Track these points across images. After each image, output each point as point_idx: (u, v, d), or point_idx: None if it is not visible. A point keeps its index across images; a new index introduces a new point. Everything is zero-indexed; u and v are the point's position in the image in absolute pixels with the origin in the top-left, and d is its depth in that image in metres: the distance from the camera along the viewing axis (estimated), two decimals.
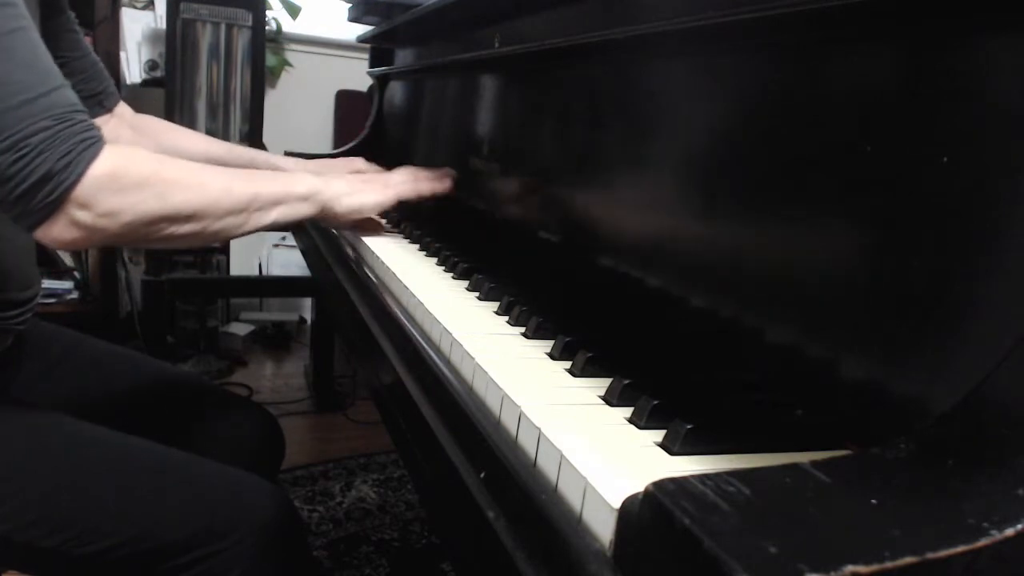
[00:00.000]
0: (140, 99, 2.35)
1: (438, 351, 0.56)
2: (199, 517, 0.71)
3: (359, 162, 1.19)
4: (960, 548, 0.24)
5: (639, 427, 0.41)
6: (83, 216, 0.62)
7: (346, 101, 2.78)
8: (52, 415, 0.75)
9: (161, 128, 1.07)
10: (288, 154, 1.31)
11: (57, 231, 0.63)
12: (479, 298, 0.69)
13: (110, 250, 2.29)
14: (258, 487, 0.77)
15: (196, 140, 1.08)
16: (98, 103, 0.97)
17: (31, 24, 0.63)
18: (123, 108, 1.03)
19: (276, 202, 0.78)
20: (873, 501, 0.26)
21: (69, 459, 0.71)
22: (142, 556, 0.68)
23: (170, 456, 0.76)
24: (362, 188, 0.88)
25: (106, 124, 0.99)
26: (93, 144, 0.63)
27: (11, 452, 0.70)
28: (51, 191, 0.60)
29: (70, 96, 0.63)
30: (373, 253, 0.84)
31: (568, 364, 0.51)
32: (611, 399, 0.45)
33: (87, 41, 0.97)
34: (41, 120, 0.60)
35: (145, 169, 0.66)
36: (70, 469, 0.71)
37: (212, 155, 1.03)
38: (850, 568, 0.22)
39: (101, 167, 0.62)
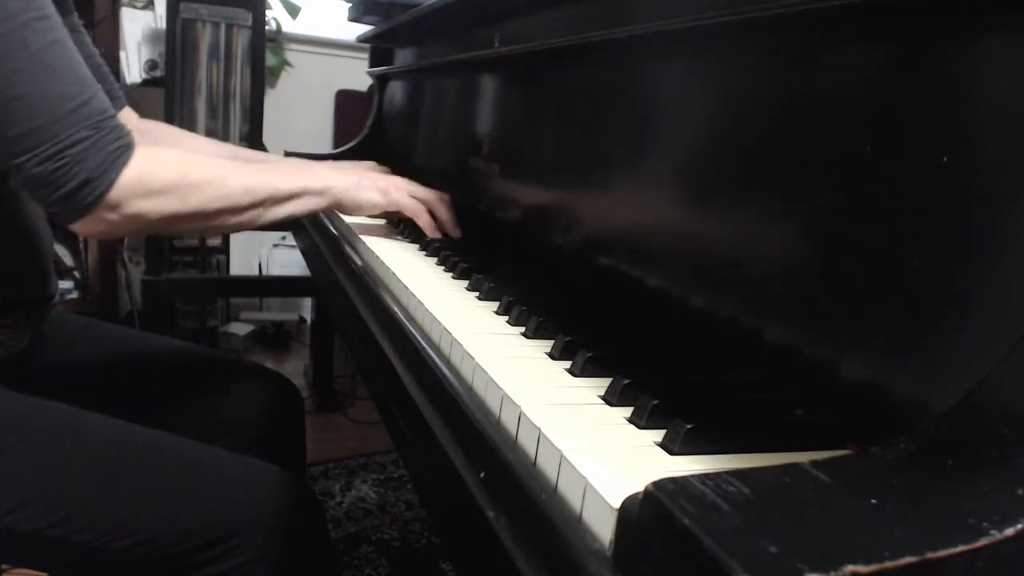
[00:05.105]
0: (140, 99, 2.35)
1: (438, 351, 0.56)
2: (214, 511, 0.72)
3: (370, 165, 1.20)
4: (960, 548, 0.24)
5: (639, 427, 0.41)
6: (112, 216, 0.69)
7: (346, 101, 2.78)
8: (78, 413, 0.76)
9: (168, 133, 1.08)
10: (288, 155, 1.32)
11: (90, 227, 0.69)
12: (479, 298, 0.69)
13: (110, 250, 2.29)
14: (275, 478, 0.78)
15: (201, 143, 1.10)
16: None
17: (66, 32, 0.67)
18: (129, 112, 1.04)
19: (292, 196, 0.83)
20: (873, 501, 0.26)
21: (95, 458, 0.72)
22: (162, 552, 0.69)
23: (182, 450, 0.77)
24: (369, 185, 0.90)
25: None
26: (125, 151, 0.69)
27: (38, 452, 0.71)
28: (87, 196, 0.66)
29: (103, 102, 0.69)
30: (373, 253, 0.84)
31: (568, 364, 0.51)
32: (611, 399, 0.45)
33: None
34: (80, 130, 0.65)
35: (170, 173, 0.72)
36: (94, 468, 0.72)
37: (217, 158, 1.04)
38: (850, 568, 0.22)
39: (130, 173, 0.68)
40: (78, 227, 0.70)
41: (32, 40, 0.63)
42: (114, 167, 0.67)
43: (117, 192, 0.67)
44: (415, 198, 0.93)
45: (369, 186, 0.90)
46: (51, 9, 0.66)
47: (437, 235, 0.94)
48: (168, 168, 0.72)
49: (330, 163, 1.20)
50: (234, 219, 0.78)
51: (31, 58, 0.63)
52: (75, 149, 0.65)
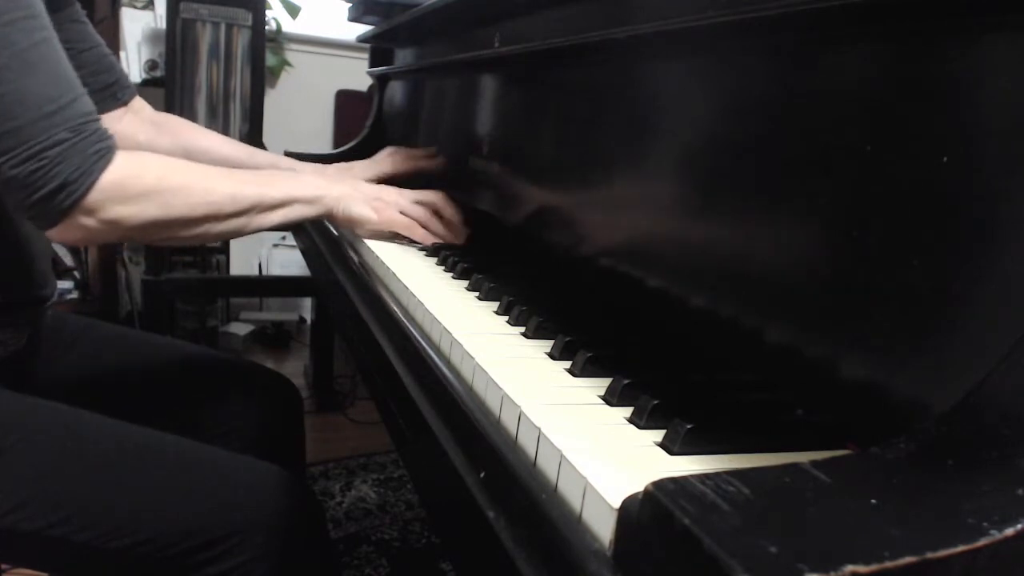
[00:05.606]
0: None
1: (438, 351, 0.56)
2: (214, 511, 0.72)
3: (391, 150, 1.18)
4: (960, 548, 0.24)
5: (639, 427, 0.41)
6: (89, 222, 0.67)
7: (346, 101, 2.78)
8: (78, 413, 0.77)
9: (183, 128, 1.07)
10: (288, 154, 1.31)
11: (67, 233, 0.67)
12: (479, 298, 0.69)
13: (110, 250, 2.29)
14: (275, 478, 0.78)
15: (217, 142, 1.08)
16: (111, 95, 0.98)
17: (53, 33, 0.66)
18: (141, 104, 1.03)
19: (280, 205, 0.81)
20: (873, 501, 0.26)
21: (95, 458, 0.72)
22: (162, 552, 0.69)
23: (182, 450, 0.77)
24: (361, 198, 0.88)
25: (121, 119, 1.00)
26: (105, 154, 0.67)
27: (38, 452, 0.71)
28: (64, 199, 0.65)
29: (87, 105, 0.67)
30: (373, 253, 0.84)
31: (568, 364, 0.51)
32: (611, 399, 0.45)
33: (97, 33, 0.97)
34: (60, 132, 0.63)
35: (151, 178, 0.70)
36: (94, 468, 0.71)
37: (232, 158, 1.04)
38: (850, 568, 0.22)
39: (109, 177, 0.66)
40: (55, 233, 0.67)
41: (17, 39, 0.62)
42: (93, 170, 0.65)
43: (95, 196, 0.66)
44: (405, 215, 0.91)
45: (361, 199, 0.88)
46: (39, 8, 0.65)
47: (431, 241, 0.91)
48: (149, 172, 0.70)
49: (335, 165, 1.18)
50: (219, 227, 0.76)
51: (15, 56, 0.62)
52: (54, 151, 0.63)
